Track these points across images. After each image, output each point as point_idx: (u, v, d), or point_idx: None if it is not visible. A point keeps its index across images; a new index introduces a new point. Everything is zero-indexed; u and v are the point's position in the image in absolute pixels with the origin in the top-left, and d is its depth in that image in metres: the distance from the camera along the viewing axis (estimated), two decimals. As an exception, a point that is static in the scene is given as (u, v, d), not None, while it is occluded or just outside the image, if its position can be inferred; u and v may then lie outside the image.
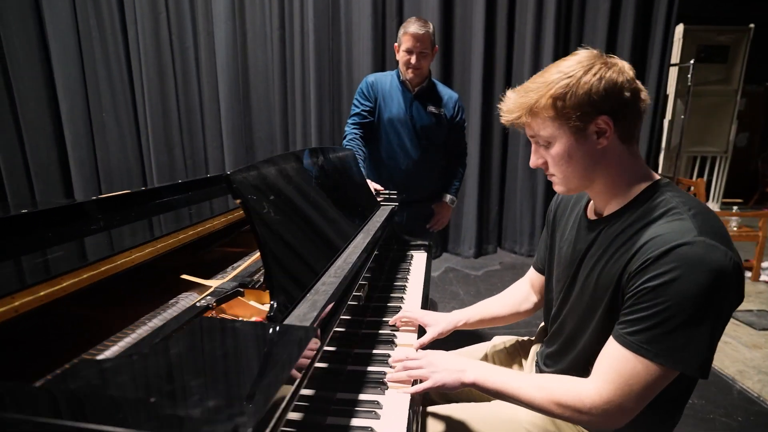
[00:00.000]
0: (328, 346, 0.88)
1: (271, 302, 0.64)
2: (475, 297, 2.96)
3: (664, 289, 0.64)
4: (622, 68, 0.72)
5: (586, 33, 3.40)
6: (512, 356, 1.13)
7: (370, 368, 0.92)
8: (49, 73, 3.40)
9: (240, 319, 0.73)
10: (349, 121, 1.94)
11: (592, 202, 0.87)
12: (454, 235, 3.71)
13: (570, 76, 0.71)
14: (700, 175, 5.26)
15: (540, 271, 1.08)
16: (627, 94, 0.71)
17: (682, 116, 3.91)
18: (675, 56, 4.80)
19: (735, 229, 3.40)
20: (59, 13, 3.29)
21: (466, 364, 0.83)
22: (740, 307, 2.72)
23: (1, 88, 3.36)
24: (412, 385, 0.82)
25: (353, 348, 0.99)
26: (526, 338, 1.18)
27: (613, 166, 0.75)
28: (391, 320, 1.11)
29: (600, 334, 0.77)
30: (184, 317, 0.68)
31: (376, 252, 1.32)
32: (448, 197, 2.06)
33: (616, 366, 0.69)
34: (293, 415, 0.69)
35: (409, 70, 1.82)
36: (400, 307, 1.20)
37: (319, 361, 0.84)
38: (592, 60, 0.72)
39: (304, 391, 0.74)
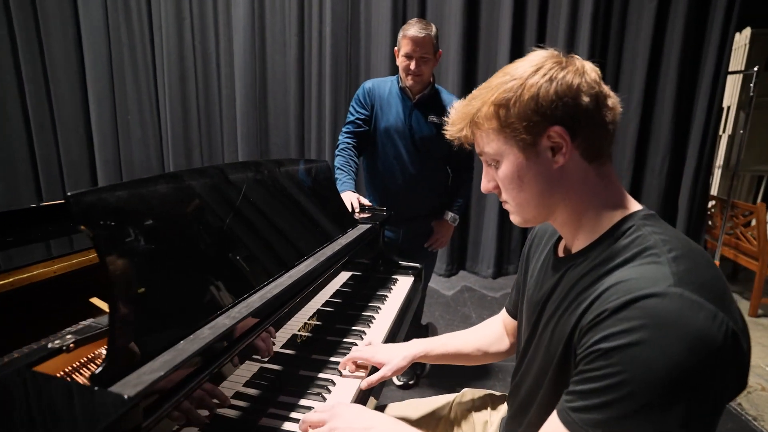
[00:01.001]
0: (248, 387, 0.76)
1: (107, 354, 0.51)
2: (488, 322, 2.72)
3: (619, 354, 0.47)
4: (581, 69, 0.57)
5: (628, 36, 3.08)
6: (479, 415, 0.94)
7: (286, 425, 0.78)
8: (83, 77, 3.55)
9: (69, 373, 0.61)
10: (343, 129, 1.82)
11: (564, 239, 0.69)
12: (472, 253, 3.48)
13: (515, 79, 0.57)
14: (765, 197, 4.66)
15: (512, 315, 0.91)
16: (586, 99, 0.56)
17: (741, 131, 3.46)
18: (740, 64, 4.30)
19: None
20: (94, 21, 3.43)
21: (376, 422, 0.67)
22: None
23: (41, 91, 3.55)
24: None
25: (277, 395, 0.85)
26: (499, 394, 0.99)
27: (575, 190, 0.60)
28: (341, 365, 0.95)
29: (549, 402, 0.60)
30: (21, 362, 0.56)
31: (349, 270, 1.19)
32: (450, 215, 1.87)
33: None
34: None
35: (409, 77, 1.67)
36: (356, 344, 1.05)
37: (230, 408, 0.72)
38: (545, 59, 0.58)
39: None
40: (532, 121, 0.56)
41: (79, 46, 3.50)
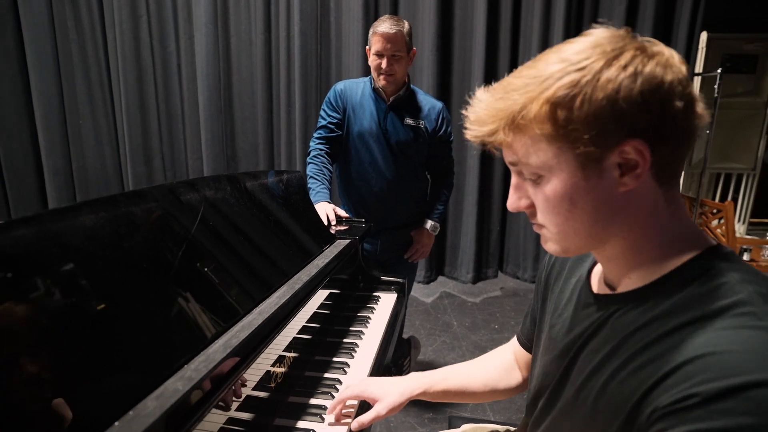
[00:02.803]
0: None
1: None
2: (470, 330, 2.65)
3: None
4: (670, 60, 0.42)
5: (600, 39, 3.09)
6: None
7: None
8: (26, 76, 3.24)
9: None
10: (315, 134, 1.69)
11: (598, 265, 0.57)
12: (451, 258, 3.41)
13: (582, 69, 0.42)
14: (725, 193, 4.86)
15: (525, 347, 0.80)
16: (678, 104, 0.41)
17: (707, 131, 3.57)
18: (698, 66, 4.46)
19: None
20: (36, 14, 3.13)
21: None
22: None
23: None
24: None
25: (249, 455, 0.72)
26: (503, 429, 0.89)
27: (639, 220, 0.46)
28: (328, 410, 0.82)
29: None
30: None
31: (325, 289, 1.06)
32: (430, 223, 1.77)
33: None
34: None
35: (381, 77, 1.56)
36: (339, 381, 0.93)
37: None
38: (620, 43, 0.43)
39: None
40: (603, 129, 0.41)
41: (19, 41, 3.18)
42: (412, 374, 0.83)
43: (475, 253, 3.28)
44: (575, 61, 0.42)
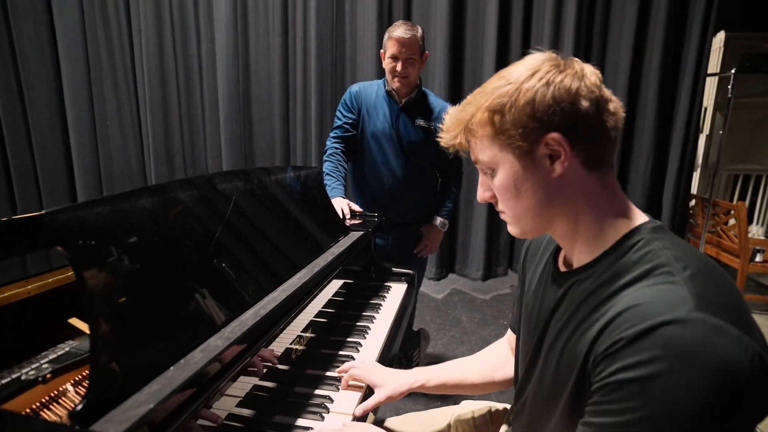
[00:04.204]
0: (241, 407, 0.72)
1: (88, 388, 0.46)
2: (479, 325, 2.72)
3: (639, 388, 0.44)
4: (581, 72, 0.54)
5: (611, 40, 3.12)
6: (479, 429, 0.92)
7: (284, 448, 0.74)
8: (59, 80, 3.43)
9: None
10: (331, 134, 1.78)
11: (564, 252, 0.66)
12: (461, 256, 3.47)
13: (511, 83, 0.54)
14: (742, 196, 4.79)
15: (516, 331, 0.86)
16: (585, 103, 0.52)
17: (720, 131, 3.56)
18: (715, 66, 4.42)
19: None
20: (69, 21, 3.32)
21: None
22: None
23: (13, 94, 3.41)
24: None
25: (272, 416, 0.81)
26: (501, 407, 0.97)
27: (576, 201, 0.56)
28: (338, 370, 0.93)
29: (564, 428, 0.56)
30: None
31: (340, 278, 1.15)
32: (439, 220, 1.85)
33: None
34: None
35: (395, 79, 1.65)
36: (353, 358, 1.02)
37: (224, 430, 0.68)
38: (542, 62, 0.55)
39: None
40: (528, 127, 0.53)
41: (53, 47, 3.37)
42: (416, 368, 0.91)
43: (485, 251, 3.34)
44: (508, 77, 0.55)
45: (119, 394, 0.48)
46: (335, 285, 1.16)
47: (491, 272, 3.43)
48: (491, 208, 3.36)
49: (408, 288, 1.47)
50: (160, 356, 0.55)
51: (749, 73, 4.29)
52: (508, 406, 0.95)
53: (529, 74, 0.53)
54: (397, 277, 1.53)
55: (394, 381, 0.86)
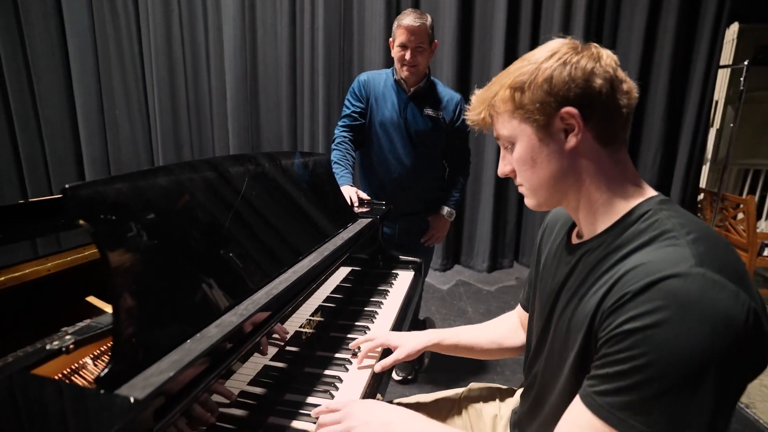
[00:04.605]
0: (253, 386, 0.74)
1: (111, 355, 0.48)
2: (485, 316, 2.73)
3: (642, 336, 0.47)
4: (598, 55, 0.58)
5: (621, 31, 3.09)
6: (488, 409, 0.94)
7: (294, 423, 0.76)
8: (67, 70, 3.45)
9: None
10: (339, 123, 1.78)
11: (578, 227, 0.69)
12: (467, 247, 3.48)
13: (531, 63, 0.59)
14: (752, 190, 4.74)
15: (526, 308, 0.90)
16: (599, 82, 0.56)
17: (731, 124, 3.51)
18: (727, 59, 4.35)
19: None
20: (77, 12, 3.33)
21: (393, 416, 0.66)
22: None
23: (23, 84, 3.44)
24: None
25: (283, 394, 0.83)
26: (507, 388, 0.99)
27: (589, 174, 0.60)
28: (352, 344, 0.96)
29: (569, 391, 0.58)
30: (18, 364, 0.53)
31: (348, 265, 1.17)
32: (446, 210, 1.86)
33: None
34: None
35: (404, 68, 1.64)
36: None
37: (236, 407, 0.70)
38: (561, 46, 0.60)
39: None
40: (545, 102, 0.57)
41: (62, 38, 3.39)
42: (429, 330, 0.94)
43: (491, 243, 3.34)
44: (529, 59, 0.60)
45: (140, 363, 0.50)
46: (343, 272, 1.18)
47: (497, 264, 3.43)
48: (498, 200, 3.35)
49: (415, 275, 1.48)
50: (178, 330, 0.57)
51: (763, 65, 4.23)
52: (515, 388, 0.97)
53: (549, 55, 0.58)
54: (405, 265, 1.54)
55: (412, 340, 0.91)
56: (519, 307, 0.93)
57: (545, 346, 0.68)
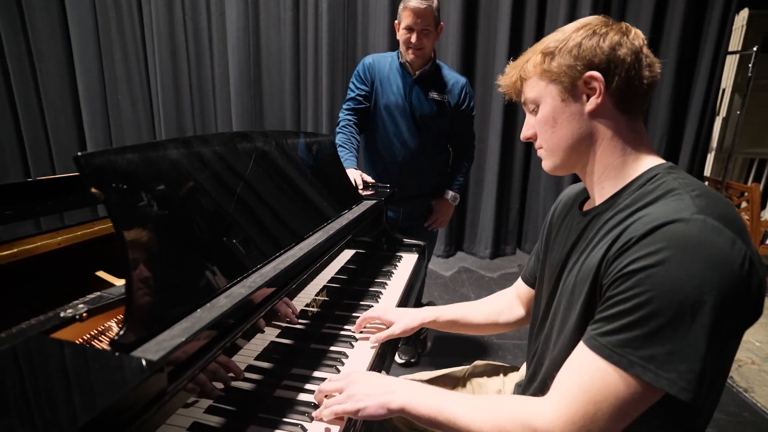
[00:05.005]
0: (260, 360, 0.75)
1: (125, 320, 0.49)
2: (486, 302, 2.75)
3: (645, 275, 0.50)
4: (627, 30, 0.63)
5: (629, 16, 3.04)
6: (493, 383, 0.95)
7: (301, 396, 0.77)
8: (70, 53, 3.43)
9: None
10: (344, 106, 1.78)
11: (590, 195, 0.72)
12: (470, 234, 3.48)
13: (564, 32, 0.65)
14: (757, 180, 4.72)
15: (529, 283, 0.91)
16: (624, 51, 0.61)
17: (738, 112, 3.48)
18: (737, 45, 4.29)
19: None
20: (79, -7, 3.30)
21: (394, 386, 0.67)
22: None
23: (25, 68, 3.43)
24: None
25: (290, 368, 0.85)
26: (509, 365, 1.00)
27: (605, 137, 0.64)
28: (354, 326, 0.97)
29: (572, 345, 0.59)
30: (34, 329, 0.54)
31: (352, 248, 1.17)
32: (450, 194, 1.86)
33: (581, 377, 0.53)
34: None
35: (410, 51, 1.63)
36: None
37: (243, 381, 0.71)
38: (594, 20, 0.65)
39: (209, 419, 0.61)
40: (572, 65, 0.62)
41: (64, 20, 3.36)
42: (426, 307, 0.95)
43: (493, 230, 3.35)
44: (562, 30, 0.65)
45: (153, 328, 0.51)
46: (347, 254, 1.18)
47: (499, 251, 3.44)
48: (501, 187, 3.34)
49: (419, 258, 1.49)
50: (188, 299, 0.58)
51: (770, 53, 4.16)
52: (518, 366, 0.98)
53: (580, 26, 0.63)
54: (408, 248, 1.55)
55: (408, 316, 0.93)
56: (518, 282, 0.94)
57: (551, 311, 0.70)
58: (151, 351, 0.48)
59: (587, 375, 0.53)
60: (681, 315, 0.48)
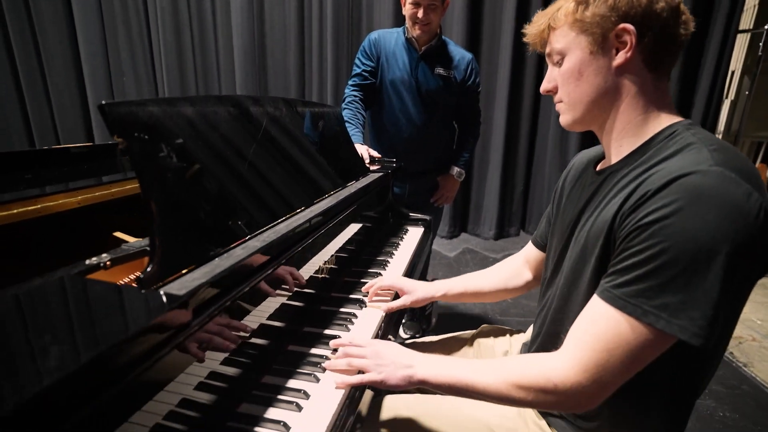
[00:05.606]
0: (272, 320, 0.78)
1: (150, 262, 0.52)
2: (489, 281, 2.78)
3: (660, 226, 0.51)
4: None
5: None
6: (499, 344, 0.98)
7: (313, 350, 0.80)
8: (74, 34, 3.42)
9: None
10: (350, 82, 1.78)
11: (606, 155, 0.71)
12: (474, 216, 3.50)
13: None
14: (765, 163, 4.68)
15: (539, 246, 0.92)
16: (661, 4, 0.58)
17: (747, 92, 3.44)
18: (748, 25, 4.21)
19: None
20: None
21: (414, 359, 0.69)
22: (795, 312, 2.44)
23: (29, 50, 3.43)
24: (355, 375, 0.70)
25: (302, 326, 0.88)
26: (516, 329, 1.03)
27: (630, 94, 0.62)
28: (365, 287, 1.00)
29: (586, 300, 0.61)
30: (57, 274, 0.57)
31: (358, 222, 1.20)
32: (456, 170, 1.87)
33: (595, 327, 0.55)
34: (203, 396, 0.58)
35: (416, 26, 1.62)
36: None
37: (257, 338, 0.74)
38: None
39: (226, 370, 0.64)
40: (606, 15, 0.59)
41: (68, 2, 3.35)
42: (437, 281, 0.97)
43: (498, 211, 3.36)
44: None
45: (176, 270, 0.54)
46: (354, 228, 1.21)
47: (503, 232, 3.46)
48: (506, 169, 3.34)
49: (424, 232, 1.51)
50: (207, 247, 0.60)
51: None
52: (523, 330, 1.01)
53: None
54: (414, 222, 1.57)
55: (421, 289, 0.96)
56: (528, 246, 0.96)
57: (562, 266, 0.71)
58: (175, 288, 0.50)
59: (601, 325, 0.54)
60: (695, 264, 0.48)
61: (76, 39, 3.43)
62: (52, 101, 3.55)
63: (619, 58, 0.60)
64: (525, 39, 0.70)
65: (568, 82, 0.64)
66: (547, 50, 0.67)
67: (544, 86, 0.69)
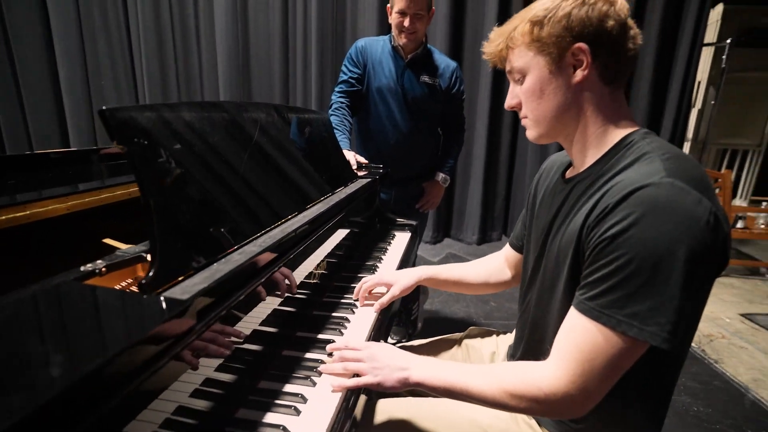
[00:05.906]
0: (265, 326, 0.78)
1: (151, 267, 0.52)
2: (473, 285, 2.82)
3: (622, 238, 0.54)
4: (614, 1, 0.63)
5: (611, 7, 3.12)
6: (486, 345, 1.01)
7: (308, 354, 0.81)
8: (49, 38, 3.33)
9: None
10: (336, 89, 1.80)
11: (570, 168, 0.75)
12: (457, 221, 3.55)
13: (553, 1, 0.64)
14: (729, 169, 4.91)
15: (516, 248, 0.96)
16: (611, 23, 0.61)
17: (713, 102, 3.62)
18: (712, 39, 4.43)
19: (762, 227, 3.14)
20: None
21: (410, 362, 0.71)
22: (759, 310, 2.56)
23: (1, 51, 3.32)
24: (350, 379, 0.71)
25: (295, 331, 0.88)
26: (503, 331, 1.06)
27: (590, 108, 0.65)
28: (354, 294, 1.01)
29: (563, 311, 0.64)
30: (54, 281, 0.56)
31: (346, 228, 1.21)
32: (441, 176, 1.90)
33: (575, 339, 0.58)
34: (200, 403, 0.58)
35: (402, 35, 1.66)
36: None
37: (250, 344, 0.74)
38: None
39: (221, 376, 0.64)
40: (561, 36, 0.62)
41: (43, 5, 3.26)
42: (420, 266, 1.00)
43: (480, 216, 3.42)
44: None
45: (177, 275, 0.54)
46: (342, 233, 1.22)
47: (486, 237, 3.52)
48: (488, 175, 3.41)
49: (411, 236, 1.53)
50: (205, 253, 0.61)
51: (745, 47, 4.32)
52: (510, 333, 1.04)
53: None
54: (401, 227, 1.59)
55: (405, 276, 0.98)
56: (507, 247, 0.99)
57: (539, 273, 0.75)
58: (177, 294, 0.51)
59: (580, 336, 0.58)
60: (657, 272, 0.52)
61: (52, 43, 3.34)
62: (25, 106, 3.44)
63: (578, 75, 0.63)
64: (484, 57, 0.72)
65: (530, 100, 0.67)
66: (508, 68, 0.69)
67: (509, 102, 0.72)
